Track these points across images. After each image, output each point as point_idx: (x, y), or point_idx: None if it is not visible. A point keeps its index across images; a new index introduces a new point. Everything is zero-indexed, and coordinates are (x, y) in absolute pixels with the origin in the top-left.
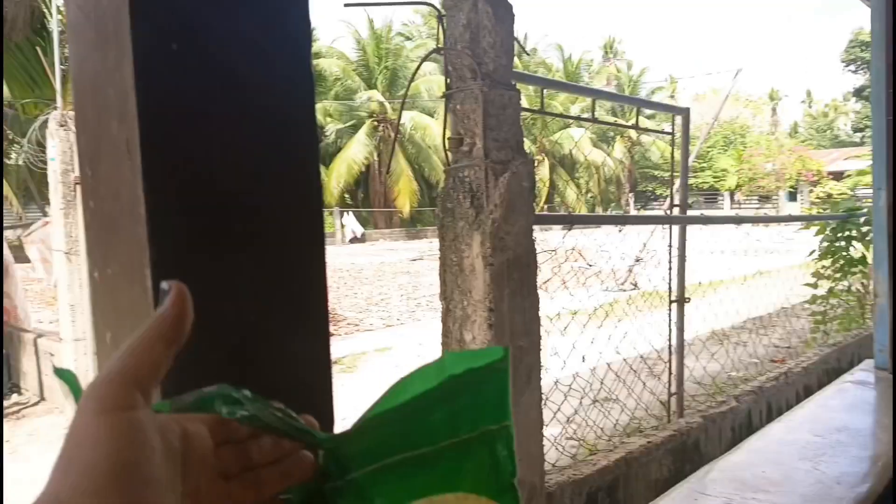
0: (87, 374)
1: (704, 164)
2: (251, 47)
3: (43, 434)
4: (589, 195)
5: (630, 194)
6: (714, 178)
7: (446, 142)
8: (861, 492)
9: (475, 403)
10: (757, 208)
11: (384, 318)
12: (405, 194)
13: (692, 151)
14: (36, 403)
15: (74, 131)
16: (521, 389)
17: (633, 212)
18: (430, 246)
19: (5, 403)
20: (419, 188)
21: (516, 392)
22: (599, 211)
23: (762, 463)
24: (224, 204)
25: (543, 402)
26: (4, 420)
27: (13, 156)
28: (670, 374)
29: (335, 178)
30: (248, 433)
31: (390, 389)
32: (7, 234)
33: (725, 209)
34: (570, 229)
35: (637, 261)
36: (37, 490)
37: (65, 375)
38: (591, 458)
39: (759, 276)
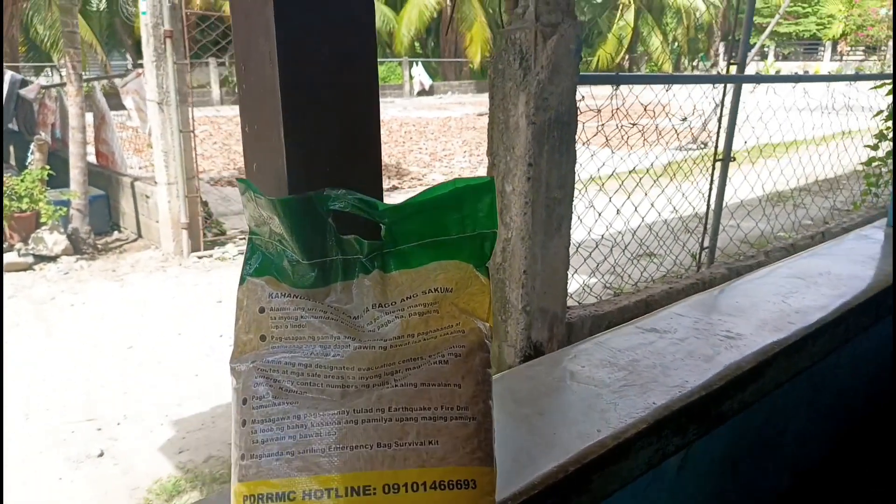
0: (178, 213)
1: (808, 10)
2: None
3: (142, 264)
4: (675, 44)
5: (721, 44)
6: (818, 25)
7: (501, 3)
8: (812, 318)
9: (474, 212)
10: (861, 60)
11: (446, 174)
12: (477, 43)
13: None
14: (135, 240)
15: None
16: (552, 234)
17: (721, 64)
18: None
19: (108, 239)
20: (492, 37)
21: (547, 237)
22: (685, 62)
23: (739, 296)
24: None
25: (586, 256)
26: (109, 254)
27: (93, 1)
28: (705, 229)
29: (405, 25)
30: None
31: (423, 192)
32: (102, 82)
33: (824, 61)
34: (616, 89)
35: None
36: (149, 302)
37: (245, 182)
38: (615, 298)
39: (843, 137)
